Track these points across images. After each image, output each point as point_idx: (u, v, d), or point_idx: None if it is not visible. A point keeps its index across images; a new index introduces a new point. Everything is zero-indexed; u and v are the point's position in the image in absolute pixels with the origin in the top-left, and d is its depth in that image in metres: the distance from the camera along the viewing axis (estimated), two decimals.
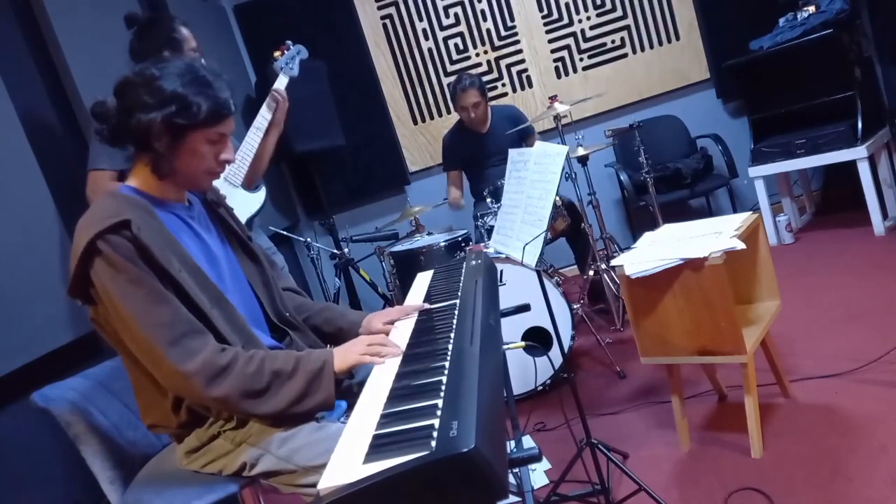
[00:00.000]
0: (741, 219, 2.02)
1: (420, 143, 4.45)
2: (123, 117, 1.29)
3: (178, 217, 1.40)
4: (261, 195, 2.48)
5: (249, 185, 2.40)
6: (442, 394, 0.97)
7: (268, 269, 1.56)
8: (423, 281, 1.83)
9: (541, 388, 2.66)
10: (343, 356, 1.30)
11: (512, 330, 2.56)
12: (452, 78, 4.29)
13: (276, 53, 2.55)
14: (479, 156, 3.68)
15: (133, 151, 1.35)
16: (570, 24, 4.29)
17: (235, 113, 1.38)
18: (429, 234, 3.48)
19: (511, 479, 1.79)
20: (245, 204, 2.38)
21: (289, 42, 2.57)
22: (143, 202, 1.31)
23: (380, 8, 4.30)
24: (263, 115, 2.40)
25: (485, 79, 3.96)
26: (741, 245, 1.81)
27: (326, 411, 1.30)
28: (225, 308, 1.33)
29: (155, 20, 2.25)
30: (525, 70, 4.37)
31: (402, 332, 1.40)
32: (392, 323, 1.53)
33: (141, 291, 1.21)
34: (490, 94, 4.05)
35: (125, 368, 1.36)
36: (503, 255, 2.26)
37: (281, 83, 2.48)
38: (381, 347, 1.29)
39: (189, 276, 1.28)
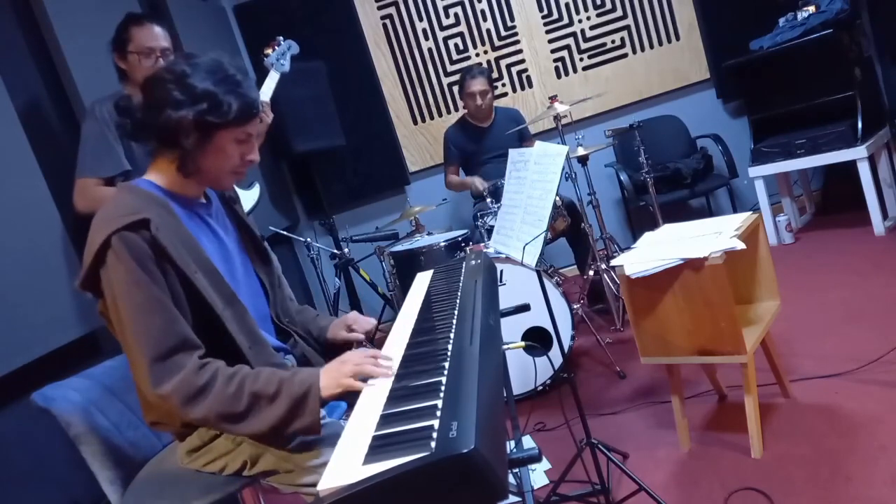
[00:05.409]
0: (741, 219, 2.02)
1: (420, 143, 4.44)
2: (151, 113, 1.26)
3: (198, 215, 1.39)
4: (255, 193, 2.48)
5: None
6: (441, 394, 0.97)
7: (276, 270, 1.56)
8: (422, 281, 1.83)
9: (541, 388, 2.66)
10: (330, 378, 1.19)
11: (512, 330, 2.56)
12: (452, 78, 4.31)
13: (267, 50, 2.55)
14: (478, 150, 3.72)
15: (155, 147, 1.33)
16: (570, 24, 4.29)
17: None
18: (429, 234, 3.48)
19: (511, 479, 1.79)
20: None
21: (279, 38, 2.56)
22: (163, 199, 1.30)
23: (380, 8, 4.30)
24: None
25: None
26: (741, 245, 1.81)
27: (313, 435, 1.22)
28: (237, 309, 1.32)
29: (126, 19, 2.15)
30: (525, 70, 4.36)
31: (401, 333, 1.40)
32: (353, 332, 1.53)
33: (140, 296, 1.19)
34: None
35: (128, 365, 1.36)
36: (503, 255, 2.26)
37: (269, 85, 2.45)
38: (372, 368, 1.17)
39: (204, 276, 1.27)
